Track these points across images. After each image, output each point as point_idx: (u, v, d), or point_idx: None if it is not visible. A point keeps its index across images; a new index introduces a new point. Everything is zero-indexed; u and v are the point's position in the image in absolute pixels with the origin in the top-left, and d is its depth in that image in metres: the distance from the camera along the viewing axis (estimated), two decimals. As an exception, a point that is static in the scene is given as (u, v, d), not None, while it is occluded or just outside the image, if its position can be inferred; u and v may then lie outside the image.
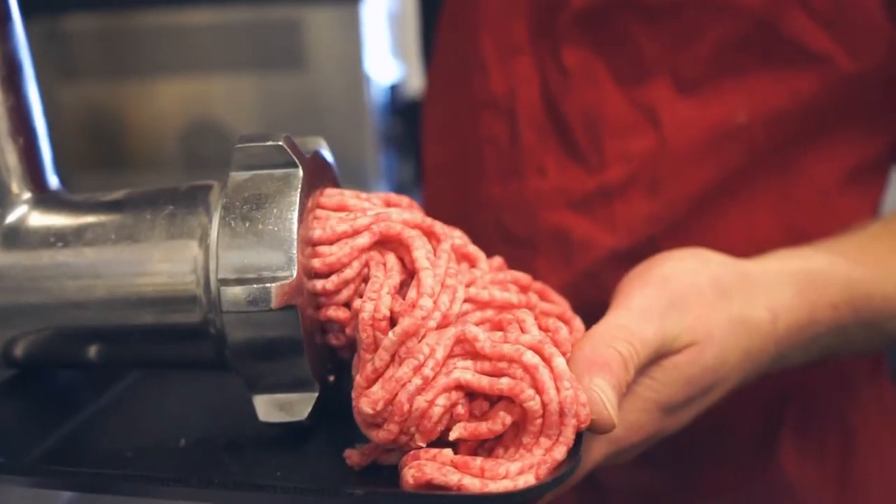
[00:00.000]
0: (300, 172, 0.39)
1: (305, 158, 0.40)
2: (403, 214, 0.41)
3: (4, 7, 0.41)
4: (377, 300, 0.37)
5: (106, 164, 1.57)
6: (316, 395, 0.41)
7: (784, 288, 0.45)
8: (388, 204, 0.43)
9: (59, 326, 0.41)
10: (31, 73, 0.43)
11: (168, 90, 1.56)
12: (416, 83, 2.11)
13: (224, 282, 0.38)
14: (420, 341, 0.36)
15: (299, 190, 0.39)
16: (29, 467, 0.41)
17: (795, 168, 0.55)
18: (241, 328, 0.38)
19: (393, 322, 0.37)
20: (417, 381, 0.35)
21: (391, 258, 0.40)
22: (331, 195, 0.42)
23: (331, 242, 0.40)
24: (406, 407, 0.35)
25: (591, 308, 0.44)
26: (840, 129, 0.55)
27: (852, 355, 0.59)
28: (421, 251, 0.39)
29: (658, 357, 0.40)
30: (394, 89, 1.81)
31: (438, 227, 0.42)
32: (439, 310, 0.37)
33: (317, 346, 0.41)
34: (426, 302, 0.36)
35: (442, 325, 0.37)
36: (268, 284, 0.37)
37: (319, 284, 0.40)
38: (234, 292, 0.37)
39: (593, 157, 0.57)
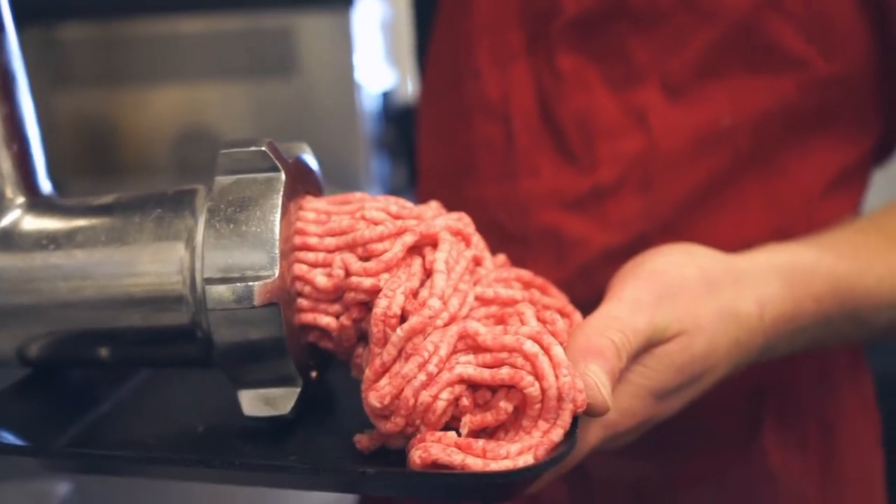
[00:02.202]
0: (282, 176, 0.41)
1: (288, 163, 0.42)
2: (448, 220, 0.43)
3: (-2, 19, 0.42)
4: (391, 298, 0.39)
5: (100, 170, 1.58)
6: (299, 389, 0.42)
7: (771, 281, 0.47)
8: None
9: (53, 327, 0.43)
10: (25, 82, 0.44)
11: (161, 97, 1.58)
12: (408, 90, 2.13)
13: (209, 281, 0.39)
14: (425, 339, 0.38)
15: (281, 193, 0.41)
16: (62, 451, 0.43)
17: (780, 172, 0.57)
18: (225, 326, 0.40)
19: (403, 319, 0.39)
20: (422, 377, 0.37)
21: (416, 263, 0.42)
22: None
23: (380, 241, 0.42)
24: (411, 402, 0.37)
25: (584, 305, 0.46)
26: (822, 132, 0.57)
27: (836, 347, 0.61)
28: (442, 254, 0.41)
29: (649, 346, 0.42)
30: (386, 96, 1.82)
31: (476, 238, 0.44)
32: (447, 311, 0.39)
33: (299, 342, 0.43)
34: (435, 303, 0.38)
35: (447, 324, 0.39)
36: (251, 283, 0.39)
37: (368, 282, 0.41)
38: (219, 291, 0.39)
39: (586, 159, 0.59)
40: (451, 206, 0.50)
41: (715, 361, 0.45)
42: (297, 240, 0.43)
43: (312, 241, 0.43)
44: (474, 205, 0.63)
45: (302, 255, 0.42)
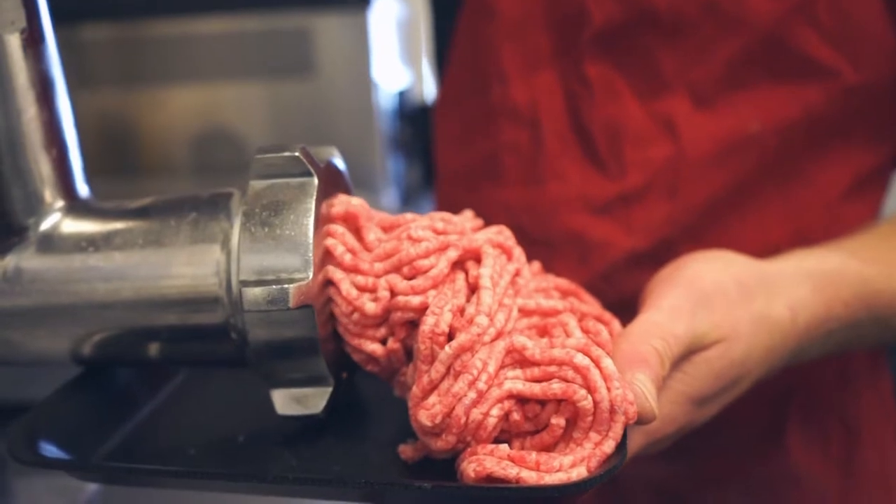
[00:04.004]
0: (315, 181, 0.42)
1: (320, 168, 0.43)
2: (489, 233, 0.44)
3: (38, 29, 0.43)
4: (439, 315, 0.39)
5: (119, 169, 1.59)
6: (331, 389, 0.43)
7: (802, 286, 0.48)
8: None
9: (91, 327, 0.44)
10: (64, 88, 0.45)
11: (180, 98, 1.59)
12: (424, 89, 2.14)
13: (245, 283, 0.40)
14: (473, 356, 0.38)
15: (315, 197, 0.42)
16: (109, 467, 0.44)
17: (803, 176, 0.58)
18: (260, 326, 0.41)
19: (451, 336, 0.39)
20: (472, 394, 0.37)
21: (460, 279, 0.42)
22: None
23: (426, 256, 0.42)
24: (463, 420, 0.37)
25: (607, 308, 0.47)
26: (845, 139, 0.57)
27: (861, 350, 0.61)
28: (487, 270, 0.41)
29: (689, 353, 0.43)
30: (402, 95, 1.83)
31: (517, 251, 0.44)
32: (494, 327, 0.39)
33: (332, 344, 0.44)
34: (482, 319, 0.39)
35: (494, 340, 0.39)
36: (286, 285, 0.40)
37: (416, 300, 0.41)
38: (255, 293, 0.40)
39: (614, 165, 0.60)
40: (472, 209, 0.51)
41: (750, 367, 0.45)
42: (349, 259, 0.43)
43: (364, 266, 0.43)
44: (497, 208, 0.64)
45: (352, 277, 0.43)
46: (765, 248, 0.53)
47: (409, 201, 1.77)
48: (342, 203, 0.45)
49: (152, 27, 1.58)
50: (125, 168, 1.60)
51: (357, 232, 0.45)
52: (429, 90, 2.20)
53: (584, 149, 0.61)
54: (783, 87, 0.56)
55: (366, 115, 1.56)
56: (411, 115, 1.88)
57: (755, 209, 0.58)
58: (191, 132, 1.60)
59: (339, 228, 0.44)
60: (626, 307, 0.47)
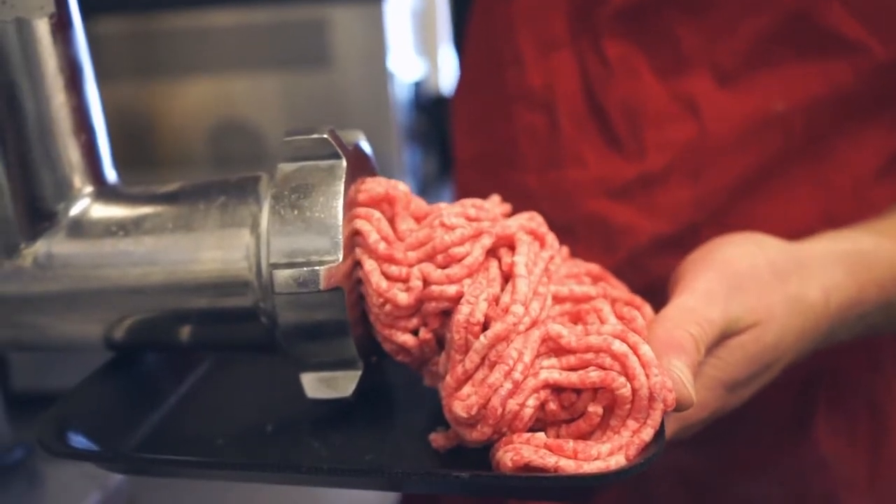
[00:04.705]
0: (344, 163, 0.42)
1: (348, 150, 0.43)
2: (521, 220, 0.43)
3: (66, 14, 0.43)
4: (474, 304, 0.39)
5: (136, 162, 1.60)
6: (360, 372, 0.43)
7: (835, 268, 0.47)
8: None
9: (122, 312, 0.44)
10: (92, 74, 0.45)
11: (195, 90, 1.60)
12: (439, 80, 2.13)
13: (276, 266, 0.40)
14: (509, 346, 0.37)
15: (343, 180, 0.42)
16: (138, 458, 0.44)
17: (831, 156, 0.57)
18: (291, 310, 0.41)
19: (485, 325, 0.39)
20: (508, 385, 0.37)
21: (494, 267, 0.41)
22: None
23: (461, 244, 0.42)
24: (499, 411, 0.37)
25: (633, 292, 0.47)
26: (875, 117, 0.56)
27: (893, 333, 0.61)
28: (521, 258, 0.41)
29: (723, 337, 0.42)
30: (418, 86, 1.83)
31: (550, 237, 0.44)
32: (529, 316, 0.38)
33: (361, 328, 0.44)
34: (518, 309, 0.38)
35: (529, 328, 0.39)
36: (316, 267, 0.40)
37: (452, 289, 0.40)
38: (285, 275, 0.40)
39: (633, 146, 0.59)
40: (491, 196, 0.50)
41: (783, 350, 0.45)
42: (382, 248, 0.42)
43: (398, 255, 0.42)
44: (516, 194, 0.63)
45: (385, 266, 0.42)
46: (792, 231, 0.52)
47: (425, 192, 1.77)
48: (382, 184, 0.44)
49: (168, 20, 1.58)
50: (141, 161, 1.61)
51: (392, 220, 0.44)
52: (444, 81, 2.19)
53: (602, 131, 0.61)
54: (809, 64, 0.55)
55: (382, 105, 1.56)
56: (427, 106, 1.88)
57: (782, 191, 0.57)
58: (206, 124, 1.60)
59: (375, 213, 0.43)
60: (653, 292, 0.47)
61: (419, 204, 0.45)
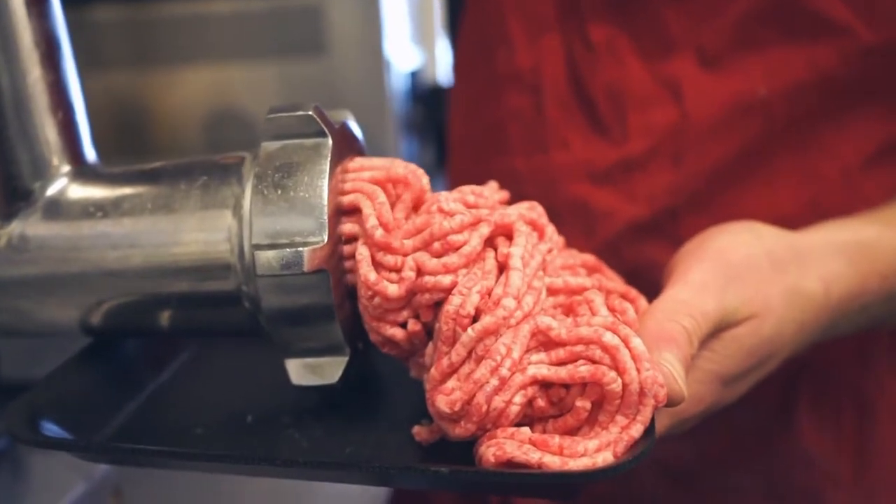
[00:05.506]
0: (329, 141, 0.41)
1: (334, 128, 0.42)
2: (521, 209, 0.42)
3: (43, -14, 0.42)
4: (466, 296, 0.37)
5: (131, 150, 1.59)
6: (346, 358, 0.42)
7: (835, 259, 0.46)
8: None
9: (101, 295, 0.43)
10: (69, 50, 0.44)
11: (191, 78, 1.58)
12: (436, 70, 2.12)
13: (258, 247, 0.39)
14: (497, 340, 0.36)
15: (329, 158, 0.40)
16: (113, 447, 0.43)
17: (817, 144, 0.55)
18: (274, 292, 0.40)
19: (476, 318, 0.37)
20: (495, 381, 0.35)
21: (490, 257, 0.40)
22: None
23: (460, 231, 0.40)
24: (484, 408, 0.35)
25: None
26: (863, 105, 0.55)
27: (894, 326, 0.60)
28: (518, 249, 0.39)
29: (718, 330, 0.41)
30: (414, 75, 1.82)
31: (550, 229, 0.42)
32: (521, 310, 0.37)
33: (347, 311, 0.42)
34: (510, 302, 0.36)
35: (520, 323, 0.37)
36: (300, 248, 0.38)
37: (447, 280, 0.39)
38: (268, 257, 0.39)
39: (616, 130, 0.58)
40: (480, 180, 0.50)
41: (782, 343, 0.43)
42: (379, 234, 0.40)
43: (395, 243, 0.40)
44: (504, 177, 0.62)
45: (379, 255, 0.40)
46: (778, 220, 0.51)
47: (422, 182, 1.76)
48: (400, 167, 0.42)
49: (163, 7, 1.57)
50: (136, 149, 1.60)
51: (394, 204, 0.42)
52: (441, 71, 2.18)
53: (586, 114, 0.60)
54: (794, 46, 0.54)
55: (378, 95, 1.55)
56: (424, 96, 1.86)
57: (766, 178, 0.56)
58: (202, 113, 1.59)
59: (380, 195, 0.41)
60: (633, 279, 0.46)
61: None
